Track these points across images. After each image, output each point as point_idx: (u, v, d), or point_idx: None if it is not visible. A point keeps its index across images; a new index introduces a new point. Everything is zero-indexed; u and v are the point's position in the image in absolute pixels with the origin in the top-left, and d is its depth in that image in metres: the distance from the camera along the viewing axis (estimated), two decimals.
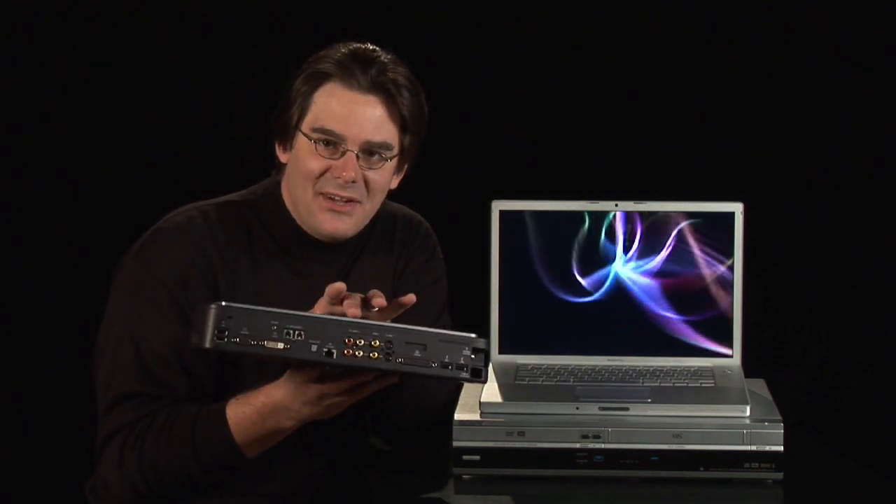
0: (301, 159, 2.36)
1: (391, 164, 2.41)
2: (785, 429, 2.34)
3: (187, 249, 2.35)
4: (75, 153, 3.45)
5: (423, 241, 2.57)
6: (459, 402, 2.45)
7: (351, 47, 2.38)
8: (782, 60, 3.54)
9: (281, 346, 2.10)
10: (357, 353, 2.11)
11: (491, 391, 2.43)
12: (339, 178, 2.35)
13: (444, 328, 2.40)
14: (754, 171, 3.55)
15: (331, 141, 2.35)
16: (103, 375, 2.34)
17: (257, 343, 2.09)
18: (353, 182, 2.35)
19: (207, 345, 2.07)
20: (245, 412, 2.26)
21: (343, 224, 2.37)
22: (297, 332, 2.11)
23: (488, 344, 2.19)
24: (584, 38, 3.55)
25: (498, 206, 2.58)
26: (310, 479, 2.45)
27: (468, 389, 2.52)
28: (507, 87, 3.56)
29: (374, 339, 2.12)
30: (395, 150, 2.40)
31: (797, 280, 3.61)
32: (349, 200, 2.37)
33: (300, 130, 2.36)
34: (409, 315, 2.28)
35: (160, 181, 3.42)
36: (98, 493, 2.34)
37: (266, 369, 2.29)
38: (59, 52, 3.42)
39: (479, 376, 2.13)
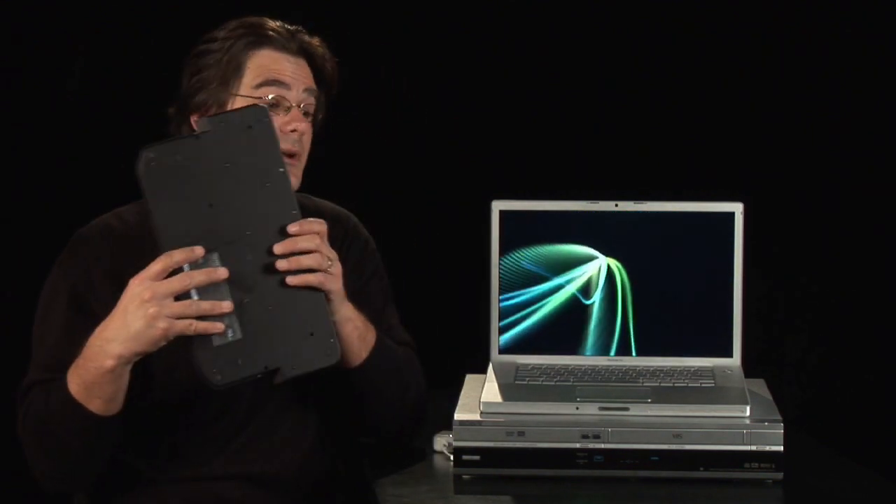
0: None
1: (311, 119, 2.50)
2: (785, 429, 2.34)
3: (95, 253, 2.39)
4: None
5: (355, 235, 2.58)
6: (459, 403, 2.45)
7: (260, 19, 2.46)
8: (782, 61, 3.54)
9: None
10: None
11: (491, 391, 2.43)
12: (293, 131, 2.41)
13: (391, 319, 2.52)
14: (754, 171, 3.55)
15: (277, 99, 2.41)
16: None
17: None
18: (302, 134, 2.43)
19: None
20: (76, 363, 2.24)
21: (293, 179, 2.39)
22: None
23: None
24: (584, 38, 3.55)
25: (498, 206, 2.58)
26: (289, 463, 2.45)
27: (468, 389, 2.52)
28: (508, 88, 3.56)
29: None
30: (316, 105, 2.50)
31: (797, 280, 3.61)
32: (292, 155, 2.43)
33: (239, 95, 2.41)
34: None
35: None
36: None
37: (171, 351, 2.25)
38: None
39: None
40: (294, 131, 2.42)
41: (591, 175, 3.49)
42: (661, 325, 2.56)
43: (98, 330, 2.20)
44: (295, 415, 2.47)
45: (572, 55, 3.55)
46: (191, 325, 2.13)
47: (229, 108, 2.40)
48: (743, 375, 2.50)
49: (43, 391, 2.30)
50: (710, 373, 2.50)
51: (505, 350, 2.58)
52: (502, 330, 2.58)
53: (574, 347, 2.57)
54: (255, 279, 2.17)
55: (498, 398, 2.41)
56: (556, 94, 3.56)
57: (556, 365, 2.54)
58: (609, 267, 2.56)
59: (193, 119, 2.42)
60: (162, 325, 2.12)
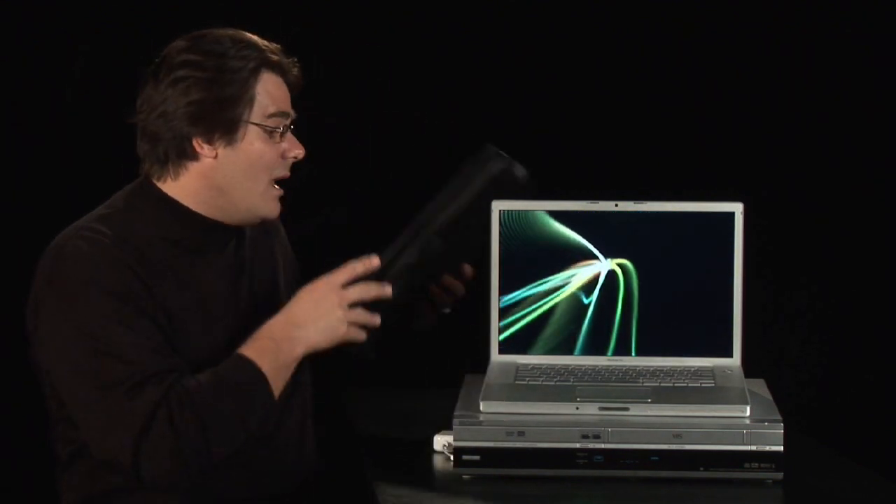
0: (256, 150, 2.41)
1: None
2: (785, 429, 2.34)
3: (110, 258, 2.35)
4: None
5: (277, 227, 2.66)
6: (459, 403, 2.45)
7: (252, 37, 2.45)
8: (782, 60, 3.54)
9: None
10: None
11: (491, 391, 2.43)
12: (297, 157, 2.46)
13: None
14: (754, 171, 3.55)
15: (282, 128, 2.44)
16: (93, 393, 2.30)
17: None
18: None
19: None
20: (258, 345, 2.36)
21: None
22: None
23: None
24: (584, 37, 3.55)
25: (498, 206, 2.58)
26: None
27: (468, 389, 2.52)
28: (508, 87, 3.56)
29: None
30: None
31: (797, 280, 3.61)
32: (284, 179, 2.48)
33: (251, 123, 2.40)
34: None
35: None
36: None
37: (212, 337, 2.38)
38: None
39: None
40: (297, 157, 2.46)
41: (591, 175, 3.49)
42: (661, 324, 2.56)
43: (279, 320, 2.38)
44: (295, 416, 2.48)
45: (572, 55, 3.55)
46: (361, 333, 2.41)
47: (240, 134, 2.39)
48: (743, 375, 2.50)
49: (187, 377, 2.30)
50: (710, 373, 2.50)
51: (505, 350, 2.58)
52: (502, 330, 2.58)
53: (574, 347, 2.57)
54: None
55: (498, 398, 2.41)
56: (556, 94, 3.56)
57: (556, 365, 2.54)
58: (609, 267, 2.56)
59: (197, 141, 2.40)
60: (344, 328, 2.39)
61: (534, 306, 2.57)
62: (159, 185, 2.43)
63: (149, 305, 2.34)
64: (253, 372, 2.34)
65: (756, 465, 2.34)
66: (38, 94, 3.45)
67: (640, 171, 3.53)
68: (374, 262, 2.43)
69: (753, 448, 2.34)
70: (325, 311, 2.39)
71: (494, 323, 2.58)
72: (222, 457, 2.31)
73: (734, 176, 3.52)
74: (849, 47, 3.52)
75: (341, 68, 3.44)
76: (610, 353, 2.56)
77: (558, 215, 2.57)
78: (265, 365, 2.35)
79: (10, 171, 3.45)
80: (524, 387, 2.45)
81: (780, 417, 2.37)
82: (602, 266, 2.56)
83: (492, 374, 2.51)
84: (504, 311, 2.58)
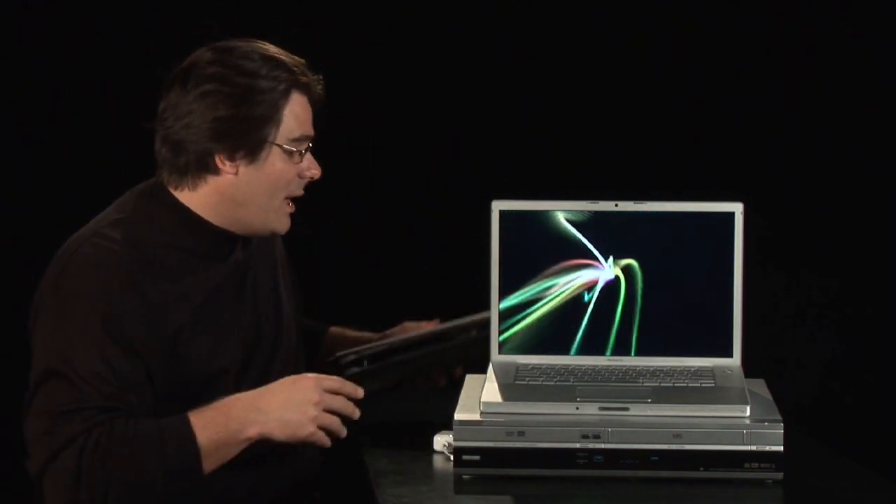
0: (277, 170, 2.42)
1: None
2: (785, 429, 2.34)
3: (120, 277, 2.34)
4: None
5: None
6: (459, 403, 2.45)
7: (282, 54, 2.44)
8: (782, 60, 3.54)
9: None
10: None
11: (491, 391, 2.43)
12: (314, 177, 2.47)
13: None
14: (754, 171, 3.55)
15: (307, 147, 2.45)
16: (39, 406, 2.30)
17: None
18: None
19: None
20: (209, 415, 2.30)
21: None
22: None
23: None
24: (584, 37, 3.55)
25: (498, 206, 2.57)
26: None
27: (468, 389, 2.52)
28: (508, 87, 3.56)
29: None
30: None
31: (797, 280, 3.61)
32: (297, 198, 2.50)
33: (276, 144, 2.41)
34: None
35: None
36: None
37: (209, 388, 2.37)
38: None
39: None
40: (311, 178, 2.47)
41: (591, 175, 3.49)
42: (661, 324, 2.55)
43: (246, 397, 2.32)
44: None
45: (572, 55, 3.55)
46: (326, 439, 2.36)
47: (263, 154, 2.40)
48: (743, 375, 2.50)
49: (116, 417, 2.26)
50: (710, 373, 2.50)
51: (505, 350, 2.58)
52: (502, 330, 2.58)
53: (574, 347, 2.57)
54: None
55: (498, 398, 2.41)
56: (557, 94, 3.56)
57: (557, 365, 2.54)
58: (609, 267, 2.56)
59: (220, 157, 2.39)
60: (311, 429, 2.32)
61: (534, 306, 2.57)
62: (175, 193, 2.44)
63: (135, 330, 2.32)
64: (187, 440, 2.27)
65: (756, 465, 2.34)
66: (38, 94, 3.46)
67: (640, 171, 3.53)
68: (358, 392, 2.39)
69: (753, 448, 2.34)
70: (299, 406, 2.32)
71: (494, 323, 2.58)
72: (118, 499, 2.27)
73: (734, 176, 3.52)
74: (849, 47, 3.52)
75: (340, 67, 3.44)
76: (610, 352, 2.56)
77: (558, 215, 2.57)
78: (205, 437, 2.28)
79: (10, 170, 3.45)
80: (524, 387, 2.45)
81: (780, 417, 2.36)
82: (602, 266, 2.56)
83: (492, 375, 2.51)
84: (504, 312, 2.57)
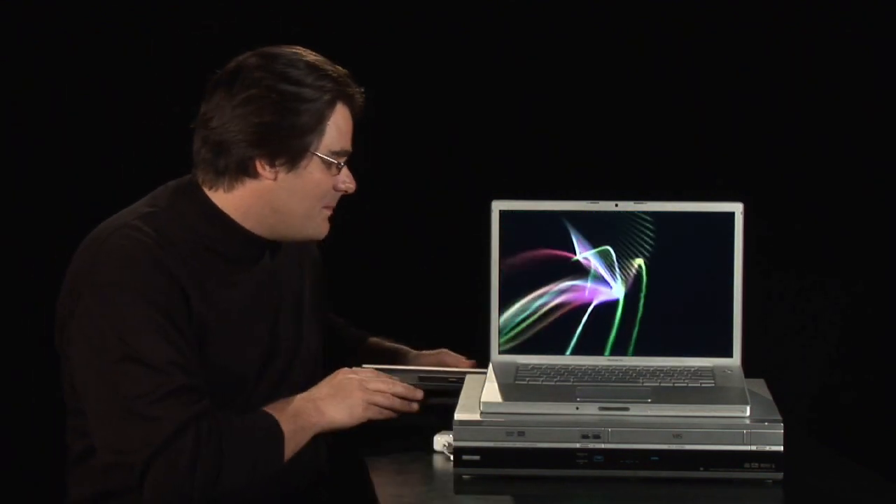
0: (315, 180, 2.44)
1: None
2: (785, 429, 2.34)
3: (151, 261, 2.35)
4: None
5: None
6: (459, 403, 2.45)
7: (326, 63, 2.46)
8: (782, 60, 3.54)
9: None
10: None
11: (491, 391, 2.43)
12: (348, 190, 2.49)
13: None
14: (754, 171, 3.55)
15: (345, 160, 2.48)
16: (118, 398, 2.30)
17: None
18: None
19: None
20: (278, 406, 2.40)
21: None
22: None
23: None
24: (584, 37, 3.55)
25: (498, 206, 2.58)
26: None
27: (468, 389, 2.52)
28: (507, 87, 3.56)
29: None
30: None
31: (797, 280, 3.61)
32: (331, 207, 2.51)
33: (316, 155, 2.42)
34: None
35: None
36: None
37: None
38: None
39: None
40: (346, 191, 2.49)
41: (591, 175, 3.49)
42: (661, 325, 2.56)
43: (297, 397, 2.44)
44: None
45: (572, 55, 3.55)
46: (381, 412, 2.49)
47: (303, 163, 2.42)
48: (743, 375, 2.50)
49: (215, 408, 2.33)
50: (710, 373, 2.50)
51: (505, 350, 2.58)
52: (502, 330, 2.58)
53: (574, 347, 2.57)
54: None
55: (498, 398, 2.41)
56: (557, 93, 3.56)
57: (556, 365, 2.54)
58: (609, 267, 2.56)
59: (260, 162, 2.40)
60: (365, 410, 2.46)
61: (534, 306, 2.57)
62: (209, 193, 2.44)
63: (183, 316, 2.35)
64: (274, 428, 2.37)
65: (756, 465, 2.34)
66: (38, 94, 3.46)
67: (640, 171, 3.53)
68: (417, 394, 2.54)
69: (753, 448, 2.34)
70: (347, 388, 2.46)
71: (494, 323, 2.58)
72: (219, 496, 2.31)
73: (734, 176, 3.52)
74: (849, 47, 3.52)
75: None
76: (610, 352, 2.56)
77: (558, 215, 2.57)
78: (285, 426, 2.39)
79: (11, 169, 3.45)
80: (524, 387, 2.46)
81: (780, 417, 2.36)
82: (602, 266, 2.56)
83: (492, 375, 2.51)
84: (504, 311, 2.57)
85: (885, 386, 3.57)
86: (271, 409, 2.40)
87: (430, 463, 2.48)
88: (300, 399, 2.44)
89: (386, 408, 2.49)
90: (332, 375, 2.49)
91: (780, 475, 2.34)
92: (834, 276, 3.58)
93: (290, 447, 2.39)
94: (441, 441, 2.50)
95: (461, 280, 3.29)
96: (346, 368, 2.51)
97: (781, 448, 2.34)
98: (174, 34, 3.45)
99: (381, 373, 2.54)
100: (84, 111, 3.46)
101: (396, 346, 2.82)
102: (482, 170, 3.54)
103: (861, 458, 2.50)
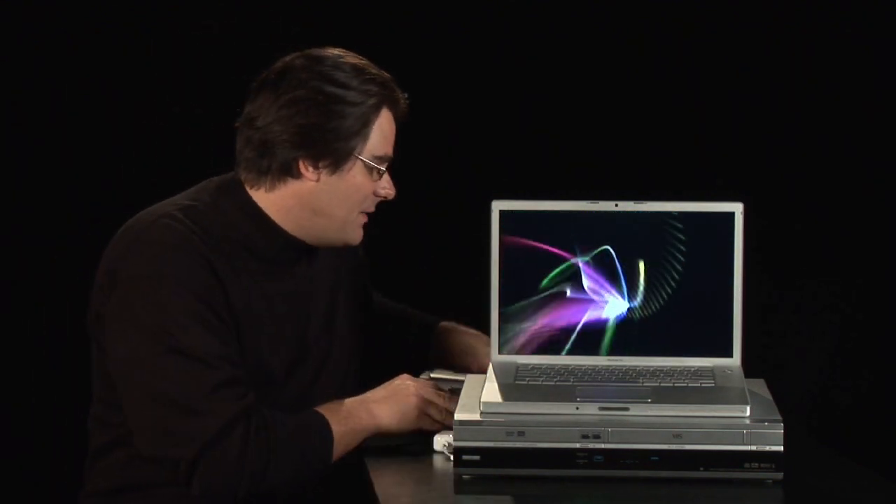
0: (357, 183, 2.45)
1: None
2: (785, 429, 2.34)
3: (192, 252, 2.35)
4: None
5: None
6: (459, 403, 2.45)
7: (371, 67, 2.47)
8: (782, 60, 3.54)
9: None
10: None
11: (491, 391, 2.43)
12: (387, 197, 2.50)
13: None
14: (754, 171, 3.55)
15: (387, 166, 2.48)
16: (152, 393, 2.29)
17: None
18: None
19: None
20: (331, 406, 2.41)
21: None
22: None
23: None
24: (584, 37, 3.55)
25: (498, 206, 2.57)
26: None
27: (468, 389, 2.52)
28: (507, 87, 3.56)
29: None
30: None
31: (797, 280, 3.61)
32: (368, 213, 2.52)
33: (360, 158, 2.43)
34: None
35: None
36: None
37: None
38: None
39: None
40: (385, 197, 2.50)
41: (591, 175, 3.49)
42: (661, 324, 2.56)
43: (351, 399, 2.45)
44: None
45: (572, 55, 3.55)
46: (434, 423, 2.50)
47: (347, 166, 2.42)
48: (743, 375, 2.50)
49: (274, 412, 2.34)
50: (710, 373, 2.50)
51: (505, 350, 2.58)
52: (502, 330, 2.58)
53: (574, 347, 2.57)
54: None
55: (498, 398, 2.41)
56: (557, 93, 3.56)
57: (556, 365, 2.54)
58: (609, 267, 2.56)
59: (304, 163, 2.41)
60: (418, 419, 2.48)
61: (534, 306, 2.57)
62: (251, 192, 2.45)
63: (224, 307, 2.35)
64: (325, 429, 2.38)
65: (756, 465, 2.34)
66: (37, 94, 3.46)
67: (640, 171, 3.53)
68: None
69: (753, 448, 2.34)
70: (404, 394, 2.48)
71: (494, 323, 2.58)
72: (266, 494, 2.32)
73: (734, 176, 3.52)
74: (849, 47, 3.52)
75: None
76: (609, 353, 2.56)
77: (558, 215, 2.57)
78: (335, 426, 2.39)
79: (11, 170, 3.45)
80: (524, 387, 2.45)
81: (780, 417, 2.36)
82: (602, 266, 2.56)
83: (492, 375, 2.51)
84: (504, 312, 2.57)
85: (885, 386, 3.57)
86: (324, 409, 2.41)
87: (430, 463, 2.48)
88: (353, 401, 2.44)
89: (437, 421, 2.50)
90: (391, 381, 2.50)
91: (780, 475, 2.34)
92: (834, 276, 3.59)
93: (340, 448, 2.39)
94: (441, 441, 2.50)
95: (461, 280, 3.29)
96: (405, 374, 2.52)
97: (781, 448, 2.34)
98: (174, 34, 3.46)
99: (438, 384, 2.57)
100: (84, 111, 3.46)
101: (469, 330, 2.81)
102: (482, 170, 3.54)
103: (861, 458, 2.50)
